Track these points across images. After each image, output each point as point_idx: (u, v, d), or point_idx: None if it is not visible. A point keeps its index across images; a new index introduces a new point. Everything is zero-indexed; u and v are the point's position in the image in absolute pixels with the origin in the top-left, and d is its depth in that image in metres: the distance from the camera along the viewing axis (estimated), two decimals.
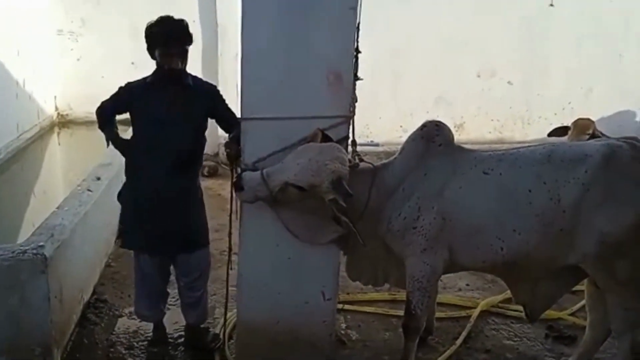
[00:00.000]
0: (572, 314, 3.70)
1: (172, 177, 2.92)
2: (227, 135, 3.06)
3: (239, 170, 2.88)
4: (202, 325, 3.35)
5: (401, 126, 6.91)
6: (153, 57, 2.91)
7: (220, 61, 6.70)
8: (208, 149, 7.92)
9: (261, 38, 2.72)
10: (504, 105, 7.42)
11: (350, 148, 2.93)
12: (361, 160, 2.99)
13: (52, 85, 6.44)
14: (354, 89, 2.86)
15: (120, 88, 3.01)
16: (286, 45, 2.74)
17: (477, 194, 2.69)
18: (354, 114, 2.88)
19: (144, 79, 2.96)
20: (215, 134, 6.86)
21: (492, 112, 7.43)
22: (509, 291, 3.84)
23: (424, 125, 2.86)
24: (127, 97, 2.95)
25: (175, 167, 2.91)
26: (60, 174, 6.16)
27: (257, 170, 2.73)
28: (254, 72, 2.75)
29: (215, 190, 6.17)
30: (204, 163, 6.77)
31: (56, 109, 6.82)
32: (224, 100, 3.10)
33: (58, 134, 6.76)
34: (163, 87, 2.90)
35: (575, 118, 4.55)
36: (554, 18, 7.23)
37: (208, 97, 3.02)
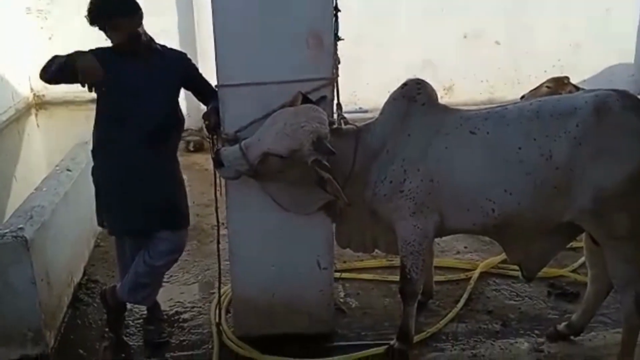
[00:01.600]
0: (573, 271, 3.66)
1: (147, 150, 2.75)
2: None
3: (219, 144, 2.75)
4: (156, 313, 3.22)
5: (389, 92, 6.57)
6: (106, 34, 2.72)
7: (197, 33, 6.48)
8: (192, 124, 7.82)
9: None
10: (493, 65, 7.30)
11: (335, 111, 2.82)
12: (346, 123, 2.89)
13: (24, 66, 6.21)
14: (336, 50, 2.74)
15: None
16: (262, 6, 2.59)
17: (464, 155, 2.59)
18: (337, 75, 2.77)
19: (109, 47, 2.76)
20: (199, 108, 6.75)
21: (480, 74, 7.31)
22: None
23: (404, 84, 2.75)
24: (100, 65, 2.71)
25: (149, 139, 2.75)
26: (42, 156, 5.99)
27: (239, 141, 2.61)
28: (229, 36, 2.61)
29: (203, 165, 6.06)
30: (189, 138, 6.68)
31: (31, 90, 6.59)
32: (196, 68, 2.95)
33: (36, 115, 6.56)
34: (131, 56, 2.72)
35: (564, 75, 4.53)
36: None
37: (179, 65, 2.86)
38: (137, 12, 2.69)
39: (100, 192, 2.92)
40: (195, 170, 5.98)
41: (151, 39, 2.78)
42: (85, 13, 2.68)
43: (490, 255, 3.90)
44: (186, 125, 7.48)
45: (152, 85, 2.74)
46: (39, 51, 6.42)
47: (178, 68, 2.84)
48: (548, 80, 4.52)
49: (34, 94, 6.67)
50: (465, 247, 4.09)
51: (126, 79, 2.72)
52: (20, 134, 6.09)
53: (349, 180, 2.66)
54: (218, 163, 2.57)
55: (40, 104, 6.71)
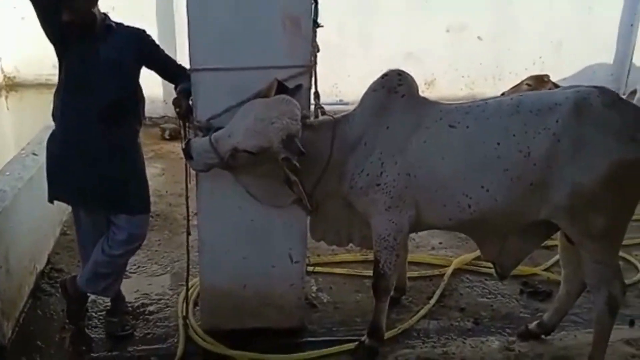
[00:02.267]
0: (546, 269, 3.65)
1: (100, 126, 2.66)
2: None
3: (190, 134, 2.66)
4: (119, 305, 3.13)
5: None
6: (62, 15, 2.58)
7: (176, 16, 6.32)
8: (169, 111, 7.63)
9: None
10: (475, 61, 7.27)
11: (312, 101, 2.74)
12: (324, 113, 2.81)
13: None
14: (314, 37, 2.65)
15: None
16: None
17: (442, 149, 2.53)
18: (316, 63, 2.68)
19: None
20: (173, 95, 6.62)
21: (462, 68, 7.29)
22: None
23: (385, 75, 2.68)
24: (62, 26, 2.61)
25: (103, 116, 2.65)
26: (10, 140, 5.80)
27: (211, 129, 2.53)
28: (202, 17, 2.51)
29: (178, 154, 5.88)
30: (165, 125, 6.55)
31: (2, 71, 6.40)
32: (155, 45, 2.82)
33: (6, 97, 6.36)
34: (83, 32, 2.62)
35: (545, 73, 4.53)
36: None
37: (134, 39, 2.74)
38: None
39: (53, 160, 2.80)
40: (171, 159, 5.85)
41: (105, 17, 2.68)
42: None
43: (465, 252, 3.87)
44: (162, 112, 7.36)
45: (104, 64, 2.64)
46: (11, 32, 6.24)
47: (132, 44, 2.72)
48: (528, 78, 4.54)
49: (5, 76, 6.48)
50: (440, 243, 4.05)
51: (80, 53, 2.62)
52: None
53: (325, 172, 2.59)
54: (188, 155, 2.48)
55: (11, 85, 6.51)
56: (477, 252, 3.75)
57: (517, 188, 2.46)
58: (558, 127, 2.39)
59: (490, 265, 3.58)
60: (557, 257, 3.71)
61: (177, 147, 6.24)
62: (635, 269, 3.64)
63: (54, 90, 2.78)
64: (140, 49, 2.74)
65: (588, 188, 2.38)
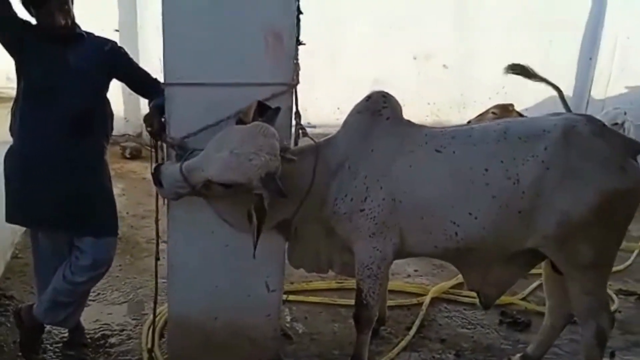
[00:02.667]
0: (523, 299, 3.61)
1: (65, 140, 2.48)
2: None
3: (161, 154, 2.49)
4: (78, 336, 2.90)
5: (338, 108, 6.71)
6: (31, 14, 2.45)
7: (140, 35, 6.15)
8: (130, 129, 7.39)
9: None
10: (441, 88, 7.37)
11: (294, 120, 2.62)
12: (305, 134, 2.68)
13: None
14: (297, 54, 2.53)
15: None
16: None
17: (428, 174, 2.44)
18: (298, 82, 2.56)
19: (34, 26, 2.48)
20: (138, 113, 6.40)
21: (428, 96, 7.36)
22: (459, 276, 3.73)
23: (369, 97, 2.58)
24: (20, 29, 2.43)
25: (68, 129, 2.47)
26: None
27: (185, 149, 2.37)
28: (178, 28, 2.36)
29: (140, 174, 5.72)
30: (126, 144, 6.31)
31: None
32: (128, 57, 2.67)
33: None
34: (53, 39, 2.46)
35: (509, 102, 4.61)
36: (485, 2, 7.24)
37: (105, 50, 2.59)
38: None
39: (11, 177, 2.57)
40: (131, 179, 5.63)
41: (75, 25, 2.52)
42: None
43: (441, 280, 3.80)
44: (123, 130, 7.12)
45: (72, 73, 2.47)
46: None
47: (103, 55, 2.56)
48: (494, 107, 4.62)
49: None
50: (416, 271, 3.97)
51: (46, 61, 2.45)
52: None
53: (306, 198, 2.46)
54: (157, 182, 2.30)
55: None
56: (455, 281, 3.72)
57: (505, 216, 2.38)
58: (547, 155, 2.33)
59: (468, 294, 3.56)
60: (533, 285, 3.71)
61: (139, 166, 6.06)
62: (611, 299, 3.62)
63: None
64: (112, 60, 2.58)
65: (577, 218, 2.32)
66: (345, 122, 2.60)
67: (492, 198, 2.38)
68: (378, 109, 2.54)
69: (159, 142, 2.54)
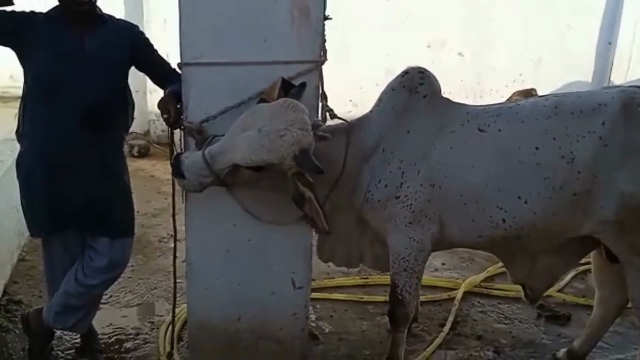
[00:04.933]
0: (559, 290, 3.40)
1: (83, 134, 2.27)
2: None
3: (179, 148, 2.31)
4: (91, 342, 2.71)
5: (350, 100, 6.53)
6: None
7: (146, 28, 5.97)
8: (137, 127, 7.20)
9: None
10: (456, 77, 7.12)
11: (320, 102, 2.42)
12: (333, 116, 2.48)
13: None
14: (323, 30, 2.34)
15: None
16: None
17: (471, 155, 2.24)
18: (326, 59, 2.37)
19: (45, 13, 2.28)
20: (145, 109, 6.22)
21: (443, 85, 7.04)
22: (490, 269, 3.56)
23: (405, 72, 2.40)
24: (22, 20, 2.23)
25: (86, 120, 2.25)
26: None
27: (205, 134, 2.20)
28: (196, 3, 2.17)
29: (148, 172, 5.57)
30: (133, 142, 6.12)
31: None
32: (150, 44, 2.48)
33: None
34: (70, 21, 2.25)
35: (531, 87, 4.45)
36: None
37: (127, 35, 2.39)
38: None
39: (31, 186, 2.37)
40: (140, 177, 5.44)
41: (96, 5, 2.30)
42: None
43: (471, 273, 3.61)
44: (130, 128, 6.91)
45: (93, 57, 2.26)
46: None
47: (125, 40, 2.37)
48: (516, 93, 4.44)
49: None
50: (443, 264, 3.76)
51: (60, 45, 2.24)
52: None
53: (337, 184, 2.26)
54: (178, 173, 2.10)
55: None
56: (485, 273, 3.51)
57: (558, 199, 2.18)
58: (605, 131, 2.13)
59: (501, 287, 3.37)
60: (570, 276, 3.50)
61: (147, 164, 5.88)
62: None
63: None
64: (135, 47, 2.39)
65: (639, 199, 2.11)
66: (379, 99, 2.41)
67: (543, 180, 2.18)
68: (415, 86, 2.35)
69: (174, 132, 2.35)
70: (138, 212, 4.48)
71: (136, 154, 5.99)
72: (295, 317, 2.57)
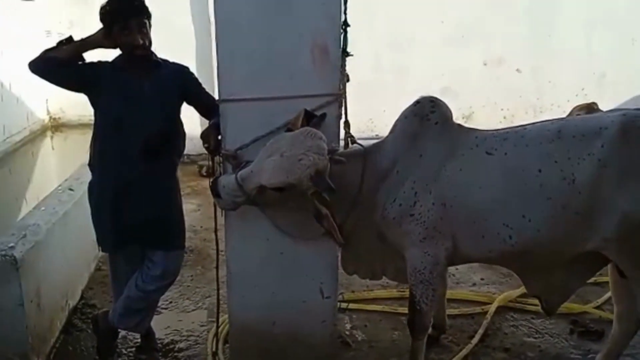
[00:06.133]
0: (597, 307, 3.41)
1: (142, 163, 2.65)
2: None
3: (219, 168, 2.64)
4: (150, 342, 3.06)
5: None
6: (115, 41, 2.63)
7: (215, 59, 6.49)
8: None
9: (238, 7, 2.47)
10: (514, 94, 7.14)
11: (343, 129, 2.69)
12: (354, 142, 2.74)
13: (43, 88, 6.23)
14: (344, 65, 2.61)
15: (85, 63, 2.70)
16: (266, 18, 2.48)
17: (480, 177, 2.41)
18: (345, 92, 2.63)
19: (110, 62, 2.70)
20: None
21: (501, 102, 7.16)
22: None
23: (417, 102, 2.60)
24: (91, 71, 2.65)
25: (145, 151, 2.64)
26: (55, 179, 5.94)
27: (240, 159, 2.51)
28: (231, 47, 2.50)
29: None
30: (202, 162, 6.60)
31: (48, 112, 6.62)
32: (198, 82, 2.85)
33: (51, 137, 6.56)
34: (130, 66, 2.65)
35: (592, 102, 4.38)
36: (561, 2, 6.99)
37: (179, 76, 2.77)
38: (149, 16, 2.65)
39: (100, 210, 2.79)
40: (207, 195, 5.78)
41: (152, 51, 2.70)
42: (99, 15, 2.61)
43: (508, 288, 3.67)
44: (201, 149, 7.48)
45: (150, 96, 2.65)
46: None
47: (177, 80, 2.75)
48: (576, 107, 4.36)
49: (50, 117, 6.70)
50: (482, 279, 3.86)
51: (123, 88, 2.64)
52: (34, 155, 6.07)
53: (356, 203, 2.50)
54: (215, 193, 2.45)
55: (56, 126, 6.72)
56: (523, 289, 3.56)
57: (561, 217, 2.30)
58: (603, 153, 2.24)
59: (536, 302, 3.42)
60: (608, 294, 3.49)
61: None
62: None
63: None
64: (185, 85, 2.77)
65: (638, 217, 2.20)
66: (394, 127, 2.63)
67: (546, 199, 2.31)
68: (426, 113, 2.54)
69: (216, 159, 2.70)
70: (201, 227, 4.95)
71: (204, 174, 6.41)
72: (324, 323, 2.81)
